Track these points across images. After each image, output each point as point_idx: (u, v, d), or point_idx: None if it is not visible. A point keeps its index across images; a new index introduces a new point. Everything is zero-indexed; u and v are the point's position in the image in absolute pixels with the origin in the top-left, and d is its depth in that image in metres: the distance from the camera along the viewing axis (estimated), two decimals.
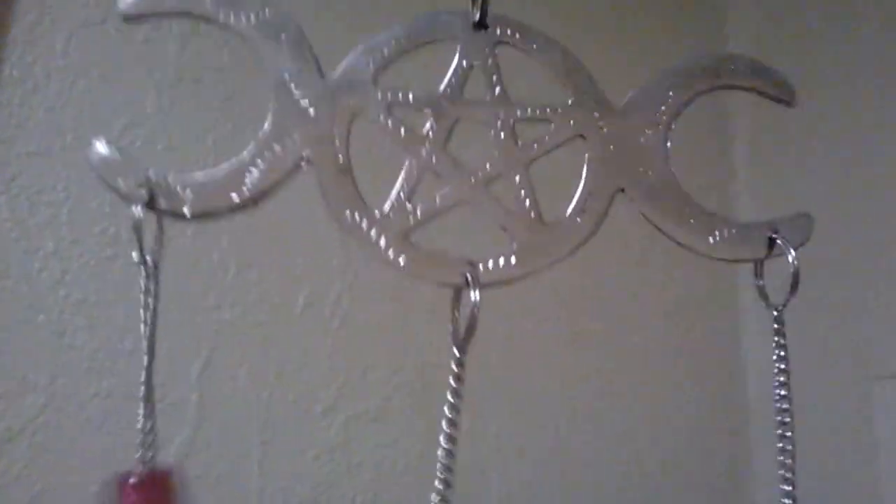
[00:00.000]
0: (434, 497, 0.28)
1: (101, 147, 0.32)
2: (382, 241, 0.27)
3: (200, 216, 0.30)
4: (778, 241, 0.31)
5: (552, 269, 0.27)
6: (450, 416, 0.27)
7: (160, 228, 0.32)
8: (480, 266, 0.27)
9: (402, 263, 0.27)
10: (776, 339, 0.31)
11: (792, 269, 0.31)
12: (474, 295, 0.26)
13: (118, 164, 0.32)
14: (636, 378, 1.07)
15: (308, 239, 0.89)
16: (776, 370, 0.35)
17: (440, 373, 0.88)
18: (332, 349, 0.91)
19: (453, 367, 0.28)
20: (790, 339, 1.03)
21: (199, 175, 0.30)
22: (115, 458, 0.79)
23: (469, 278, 0.26)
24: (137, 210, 0.27)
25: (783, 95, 0.35)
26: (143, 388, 0.28)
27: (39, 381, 0.78)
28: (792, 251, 0.31)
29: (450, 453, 0.27)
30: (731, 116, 1.26)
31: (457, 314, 0.26)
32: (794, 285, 0.31)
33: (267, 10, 0.30)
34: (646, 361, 1.09)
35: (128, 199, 0.29)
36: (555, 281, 1.02)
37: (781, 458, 0.34)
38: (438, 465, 0.29)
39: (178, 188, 0.30)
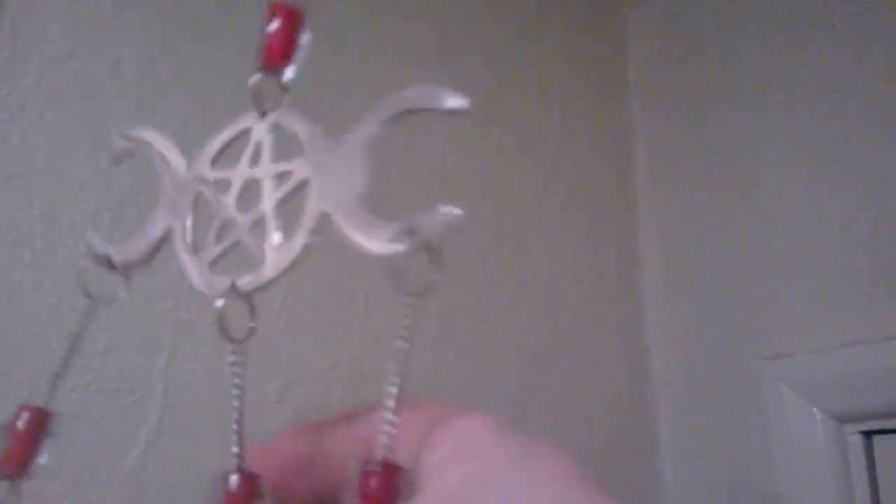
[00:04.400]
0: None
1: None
2: (194, 272, 0.38)
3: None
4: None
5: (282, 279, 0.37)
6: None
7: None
8: (237, 282, 0.36)
9: (199, 285, 0.38)
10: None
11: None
12: (221, 302, 0.36)
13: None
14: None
15: None
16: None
17: (372, 364, 0.98)
18: (280, 346, 0.98)
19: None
20: (687, 325, 1.14)
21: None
22: (90, 445, 0.85)
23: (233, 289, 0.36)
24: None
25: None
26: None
27: (21, 378, 0.82)
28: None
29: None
30: (631, 126, 1.35)
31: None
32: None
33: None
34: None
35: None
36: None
37: None
38: None
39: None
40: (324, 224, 0.36)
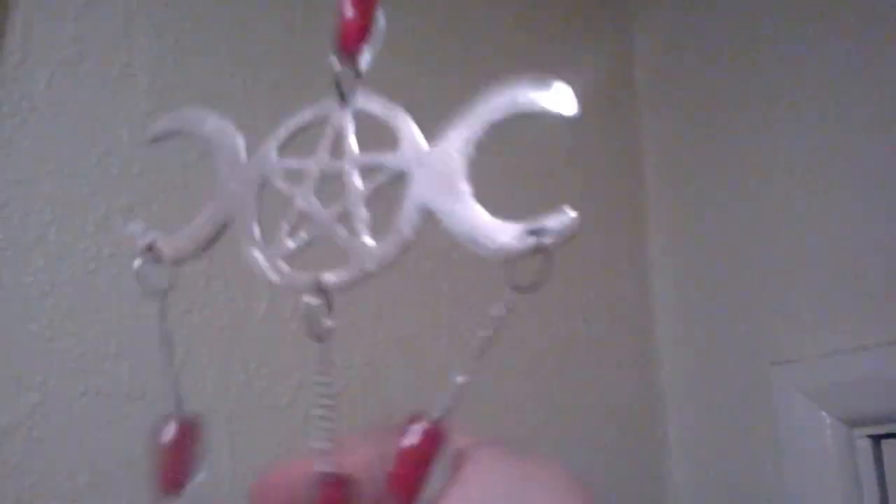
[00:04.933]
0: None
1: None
2: (267, 266, 0.36)
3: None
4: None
5: (377, 277, 0.35)
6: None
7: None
8: (327, 277, 0.34)
9: (276, 280, 0.35)
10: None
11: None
12: (311, 299, 0.34)
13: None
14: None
15: None
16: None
17: (383, 368, 0.98)
18: (291, 349, 0.97)
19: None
20: (700, 331, 1.14)
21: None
22: (102, 449, 0.86)
23: (317, 285, 0.34)
24: None
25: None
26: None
27: (33, 381, 0.84)
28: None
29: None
30: (642, 130, 1.35)
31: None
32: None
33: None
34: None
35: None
36: None
37: None
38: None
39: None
40: (425, 221, 0.35)
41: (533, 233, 0.33)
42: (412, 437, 0.32)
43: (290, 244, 0.37)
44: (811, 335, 1.10)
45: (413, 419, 0.33)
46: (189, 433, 0.36)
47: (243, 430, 0.93)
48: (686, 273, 1.27)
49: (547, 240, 0.33)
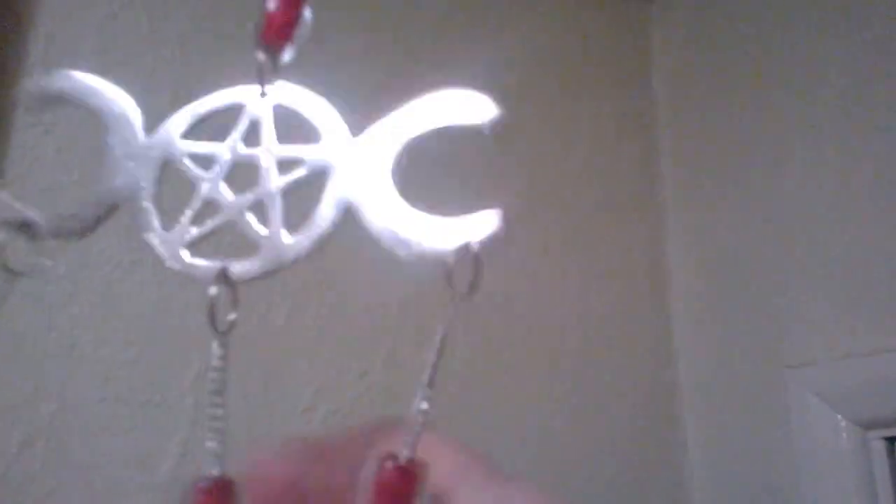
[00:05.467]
0: None
1: None
2: (166, 253, 0.34)
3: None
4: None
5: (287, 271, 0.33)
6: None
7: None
8: (234, 268, 0.32)
9: (176, 267, 0.34)
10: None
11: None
12: (214, 290, 0.32)
13: None
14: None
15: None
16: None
17: (403, 373, 0.98)
18: (311, 356, 0.98)
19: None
20: (716, 335, 1.14)
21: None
22: (121, 456, 0.87)
23: (222, 276, 0.32)
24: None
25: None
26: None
27: (53, 389, 0.85)
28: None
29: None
30: (657, 130, 1.35)
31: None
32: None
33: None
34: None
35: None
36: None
37: None
38: None
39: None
40: (344, 216, 0.33)
41: (460, 233, 0.31)
42: (386, 475, 0.30)
43: (193, 231, 0.34)
44: (826, 339, 1.10)
45: (387, 457, 0.30)
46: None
47: (262, 436, 0.93)
48: (702, 277, 1.27)
49: (474, 243, 0.31)
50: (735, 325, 1.22)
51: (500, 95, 0.34)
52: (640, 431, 1.23)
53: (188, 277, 0.34)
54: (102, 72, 0.91)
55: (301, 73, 0.36)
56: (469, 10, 1.23)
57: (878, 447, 1.05)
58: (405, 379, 1.04)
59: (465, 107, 0.33)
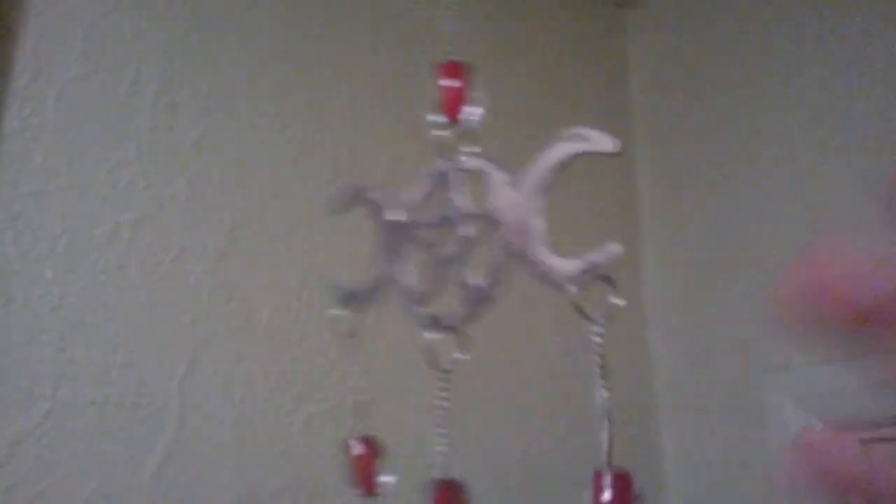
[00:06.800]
0: None
1: None
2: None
3: None
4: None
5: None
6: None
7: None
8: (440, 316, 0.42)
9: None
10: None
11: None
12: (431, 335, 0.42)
13: None
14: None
15: (270, 266, 1.00)
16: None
17: (385, 377, 0.99)
18: (293, 359, 0.99)
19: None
20: (691, 340, 1.15)
21: None
22: (111, 457, 0.88)
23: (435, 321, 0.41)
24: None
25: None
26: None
27: (44, 391, 0.85)
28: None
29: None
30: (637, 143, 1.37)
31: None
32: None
33: None
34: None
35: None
36: None
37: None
38: None
39: None
40: (509, 262, 0.41)
41: (589, 268, 0.39)
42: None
43: (424, 288, 0.43)
44: (802, 343, 1.11)
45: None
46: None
47: (247, 437, 0.96)
48: (678, 280, 1.29)
49: (601, 270, 0.39)
50: (711, 330, 1.23)
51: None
52: (616, 436, 1.23)
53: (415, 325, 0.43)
54: (88, 77, 0.92)
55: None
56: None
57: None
58: (381, 383, 1.05)
59: (591, 142, 0.43)
